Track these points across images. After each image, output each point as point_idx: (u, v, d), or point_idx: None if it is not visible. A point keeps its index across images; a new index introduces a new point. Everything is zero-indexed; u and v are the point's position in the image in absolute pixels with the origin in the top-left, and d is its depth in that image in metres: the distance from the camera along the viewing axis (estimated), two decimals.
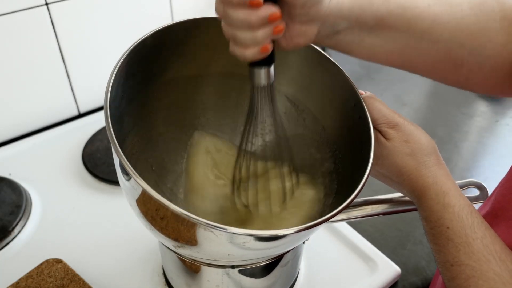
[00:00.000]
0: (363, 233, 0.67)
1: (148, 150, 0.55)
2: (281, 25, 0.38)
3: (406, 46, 0.44)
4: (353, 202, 0.40)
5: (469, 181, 0.53)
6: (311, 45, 0.50)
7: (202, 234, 0.37)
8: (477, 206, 0.47)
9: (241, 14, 0.36)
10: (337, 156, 0.52)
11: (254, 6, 0.36)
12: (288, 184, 0.53)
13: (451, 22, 0.43)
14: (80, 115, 0.91)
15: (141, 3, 0.89)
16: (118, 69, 0.42)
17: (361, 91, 0.48)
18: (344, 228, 0.68)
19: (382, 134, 0.45)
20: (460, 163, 0.86)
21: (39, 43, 0.80)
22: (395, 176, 0.45)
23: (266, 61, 0.41)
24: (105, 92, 0.40)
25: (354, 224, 0.69)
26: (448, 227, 0.40)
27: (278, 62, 0.52)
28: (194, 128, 0.58)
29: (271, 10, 0.37)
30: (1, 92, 0.80)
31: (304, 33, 0.41)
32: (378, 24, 0.42)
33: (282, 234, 0.37)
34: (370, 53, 0.45)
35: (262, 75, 0.42)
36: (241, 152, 0.52)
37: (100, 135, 0.83)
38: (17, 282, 0.57)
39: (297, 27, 0.40)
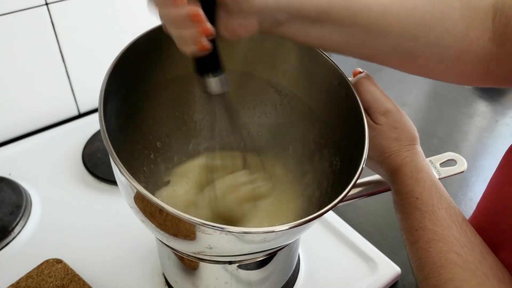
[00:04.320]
0: (363, 233, 0.67)
1: (145, 149, 0.55)
2: (208, 27, 0.37)
3: (353, 39, 0.42)
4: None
5: (447, 154, 0.56)
6: None
7: (200, 234, 0.37)
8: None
9: (164, 10, 0.37)
10: (329, 133, 0.52)
11: (175, 3, 0.36)
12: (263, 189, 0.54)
13: (401, 13, 0.40)
14: (80, 115, 0.91)
15: (141, 3, 0.89)
16: (113, 70, 0.42)
17: (359, 69, 0.49)
18: (344, 228, 0.68)
19: (372, 118, 0.47)
20: None
21: (39, 43, 0.80)
22: (376, 155, 0.47)
23: (212, 66, 0.41)
24: (100, 93, 0.40)
25: (354, 224, 0.69)
26: (417, 198, 0.43)
27: (256, 50, 0.52)
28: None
29: (191, 9, 0.35)
30: (1, 92, 0.81)
31: (244, 26, 0.40)
32: (320, 17, 0.40)
33: (277, 230, 0.37)
34: (318, 43, 0.43)
35: (212, 83, 0.42)
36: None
37: (100, 135, 0.82)
38: (17, 282, 0.57)
39: (235, 21, 0.39)
